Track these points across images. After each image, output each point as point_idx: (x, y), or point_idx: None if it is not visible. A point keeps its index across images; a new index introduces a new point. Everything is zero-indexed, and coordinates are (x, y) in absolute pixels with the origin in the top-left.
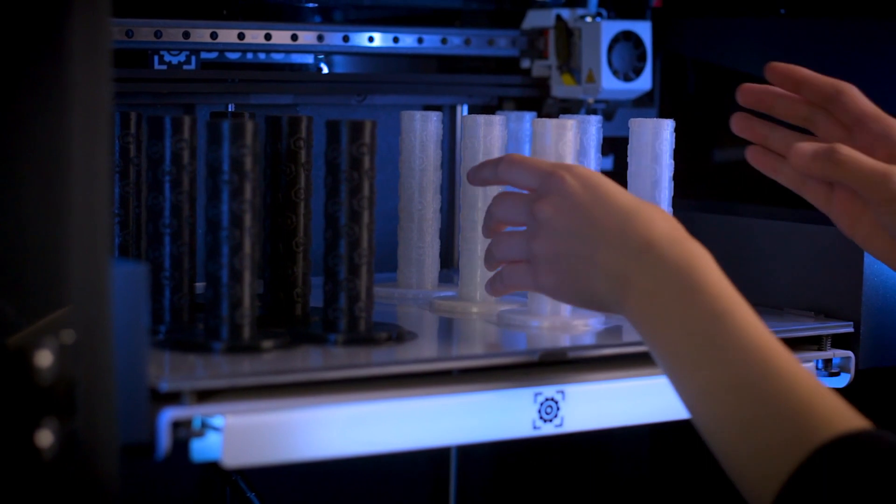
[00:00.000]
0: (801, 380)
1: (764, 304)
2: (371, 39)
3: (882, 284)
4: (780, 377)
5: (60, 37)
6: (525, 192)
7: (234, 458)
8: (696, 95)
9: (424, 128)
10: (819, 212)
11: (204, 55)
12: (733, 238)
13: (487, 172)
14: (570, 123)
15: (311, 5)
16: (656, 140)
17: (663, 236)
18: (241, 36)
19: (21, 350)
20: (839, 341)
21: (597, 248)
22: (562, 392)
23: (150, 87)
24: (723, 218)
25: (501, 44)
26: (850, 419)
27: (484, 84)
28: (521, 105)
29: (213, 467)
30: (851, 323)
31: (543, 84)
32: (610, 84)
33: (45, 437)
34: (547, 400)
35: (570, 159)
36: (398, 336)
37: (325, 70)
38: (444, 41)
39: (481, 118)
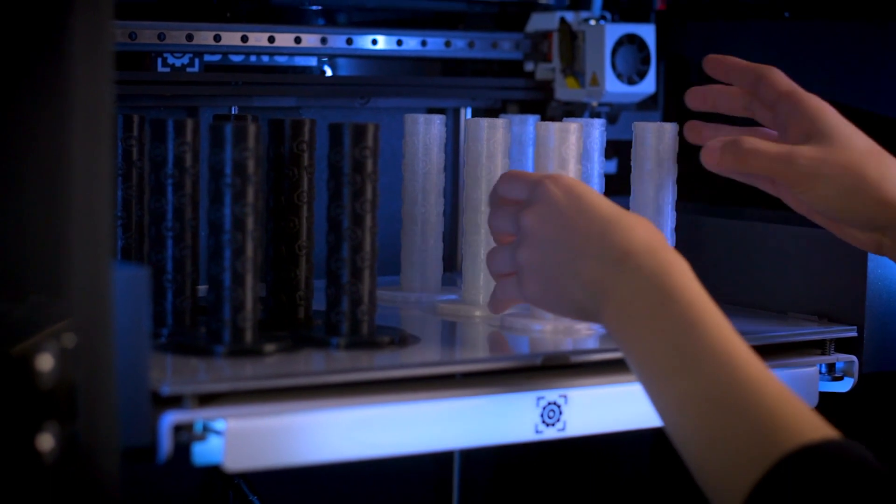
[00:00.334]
0: (770, 390)
1: (767, 308)
2: (375, 42)
3: (886, 289)
4: (748, 387)
5: (62, 38)
6: None
7: (235, 461)
8: None
9: (428, 131)
10: None
11: (207, 58)
12: (737, 242)
13: (493, 191)
14: (573, 127)
15: (314, 8)
16: (660, 143)
17: (641, 245)
18: (244, 38)
19: (22, 354)
20: (843, 345)
21: (577, 257)
22: (564, 396)
23: (154, 89)
24: (727, 222)
25: (505, 47)
26: (818, 430)
27: (487, 87)
28: (525, 108)
29: (215, 471)
30: (855, 327)
31: (547, 87)
32: (614, 87)
33: (45, 441)
34: (549, 404)
35: (573, 163)
36: (401, 340)
37: (329, 73)
38: (447, 44)
39: (484, 121)
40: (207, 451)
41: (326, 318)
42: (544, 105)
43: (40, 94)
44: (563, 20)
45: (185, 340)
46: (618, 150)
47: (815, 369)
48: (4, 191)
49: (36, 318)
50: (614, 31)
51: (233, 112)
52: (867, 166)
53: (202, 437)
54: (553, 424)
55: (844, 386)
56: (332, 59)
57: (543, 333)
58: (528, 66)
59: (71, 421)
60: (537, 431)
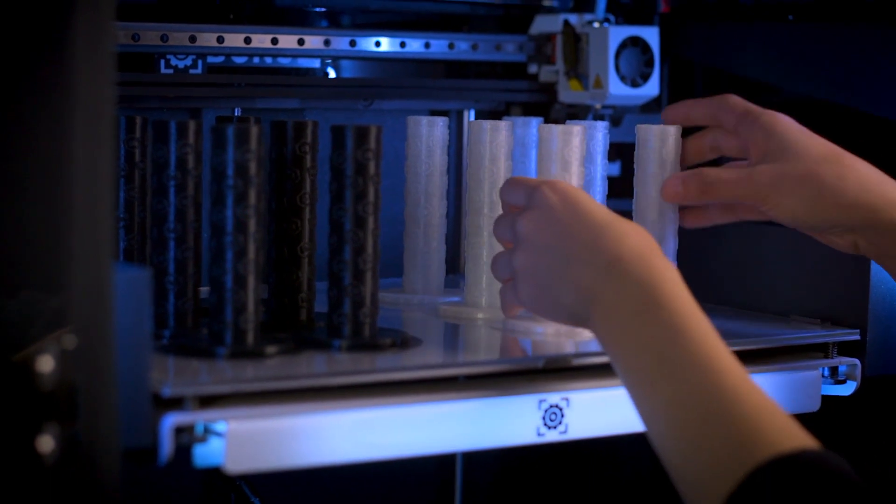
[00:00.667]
0: (749, 400)
1: (770, 311)
2: (378, 44)
3: (889, 292)
4: (727, 396)
5: (63, 38)
6: None
7: (236, 463)
8: None
9: (431, 133)
10: None
11: (210, 59)
12: (741, 244)
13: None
14: (576, 129)
15: (318, 9)
16: (662, 146)
17: (632, 252)
18: (247, 40)
19: (23, 355)
20: (845, 349)
21: (570, 262)
22: (566, 399)
23: (156, 91)
24: (730, 224)
25: (509, 49)
26: (796, 440)
27: (491, 89)
28: (529, 110)
29: (216, 472)
30: (858, 330)
31: (551, 89)
32: (617, 90)
33: (46, 443)
34: (551, 407)
35: (576, 165)
36: (402, 342)
37: (332, 74)
38: (451, 46)
39: (487, 123)
40: (208, 453)
41: (328, 320)
42: (548, 107)
43: (42, 94)
44: (566, 22)
45: (187, 342)
46: (621, 152)
47: (817, 373)
48: (6, 191)
49: (29, 315)
50: (618, 34)
51: (236, 114)
52: (824, 172)
53: (203, 439)
54: (555, 427)
55: (847, 389)
56: (335, 60)
57: (545, 336)
58: (532, 69)
59: (71, 422)
60: (539, 434)
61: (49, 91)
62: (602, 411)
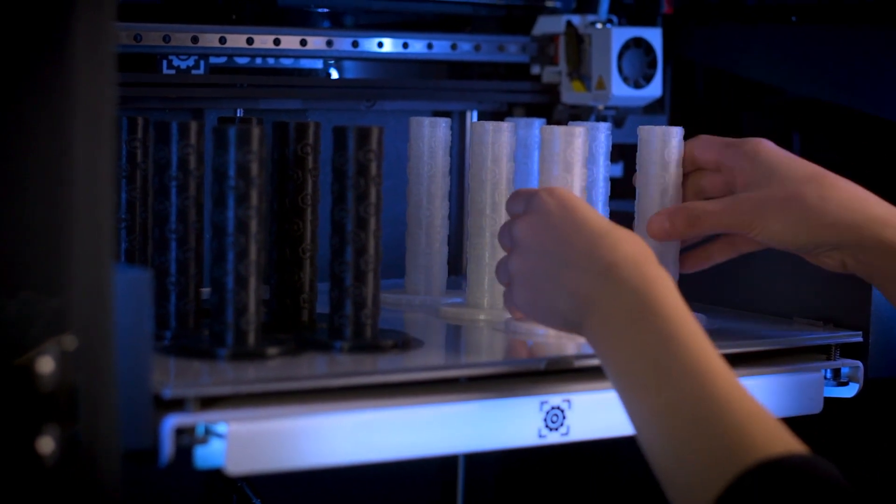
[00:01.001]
0: (738, 405)
1: (773, 313)
2: (380, 45)
3: None
4: (716, 402)
5: (64, 39)
6: None
7: (237, 465)
8: (706, 103)
9: (433, 134)
10: None
11: (213, 60)
12: None
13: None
14: (578, 130)
15: (320, 10)
16: (665, 147)
17: (626, 259)
18: (249, 41)
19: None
20: (848, 351)
21: (564, 268)
22: (568, 401)
23: (159, 91)
24: None
25: (512, 50)
26: (784, 445)
27: (494, 90)
28: (531, 111)
29: (218, 473)
30: (860, 332)
31: (553, 90)
32: (620, 91)
33: (46, 444)
34: (553, 408)
35: (578, 166)
36: (404, 343)
37: (335, 75)
38: (454, 47)
39: (490, 125)
40: (209, 455)
41: (330, 322)
42: (550, 108)
43: (42, 95)
44: (569, 23)
45: (188, 343)
46: (624, 153)
47: (820, 374)
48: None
49: (29, 316)
50: (621, 35)
51: (238, 114)
52: (807, 193)
53: (204, 441)
54: (556, 429)
55: (850, 391)
56: (337, 61)
57: (547, 338)
58: (535, 70)
59: (72, 424)
60: (541, 436)
61: (50, 91)
62: (603, 413)
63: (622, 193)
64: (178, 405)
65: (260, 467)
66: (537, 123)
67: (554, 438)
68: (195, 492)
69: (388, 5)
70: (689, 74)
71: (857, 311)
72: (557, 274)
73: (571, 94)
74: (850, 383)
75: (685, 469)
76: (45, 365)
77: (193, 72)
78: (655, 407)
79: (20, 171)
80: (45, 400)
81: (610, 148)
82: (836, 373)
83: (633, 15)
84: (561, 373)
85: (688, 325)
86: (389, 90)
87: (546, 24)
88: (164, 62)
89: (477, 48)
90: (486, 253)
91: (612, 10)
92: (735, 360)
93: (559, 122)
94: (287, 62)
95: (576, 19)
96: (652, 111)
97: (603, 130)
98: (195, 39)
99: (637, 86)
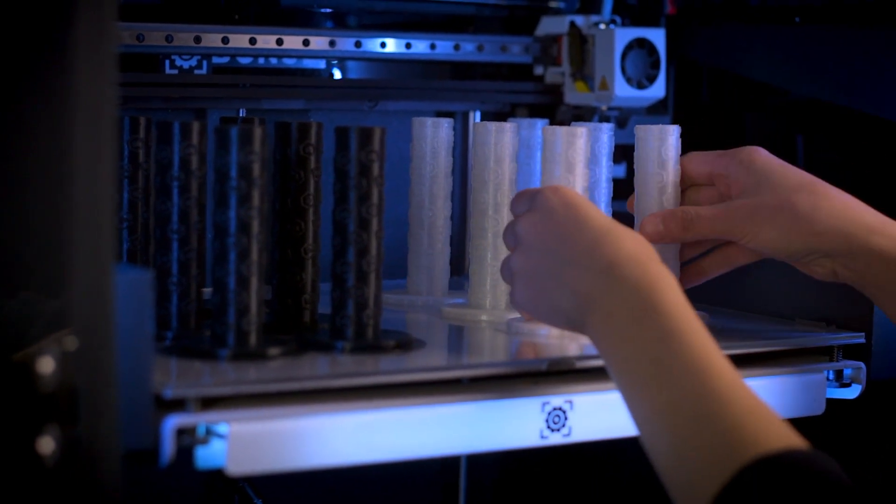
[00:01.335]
0: (740, 402)
1: (775, 314)
2: (383, 45)
3: None
4: (717, 399)
5: (65, 39)
6: None
7: (238, 465)
8: (709, 103)
9: (436, 134)
10: None
11: (215, 60)
12: None
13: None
14: (580, 131)
15: (323, 10)
16: (662, 146)
17: (629, 257)
18: (252, 41)
19: (23, 356)
20: (850, 352)
21: (566, 266)
22: (570, 402)
23: (161, 91)
24: None
25: (514, 50)
26: (786, 440)
27: (496, 91)
28: (534, 112)
29: (219, 474)
30: (863, 334)
31: (556, 91)
32: (623, 91)
33: (46, 444)
34: (555, 409)
35: (580, 167)
36: (406, 344)
37: (338, 75)
38: (456, 47)
39: (492, 125)
40: (210, 455)
41: (331, 322)
42: (553, 109)
43: (43, 95)
44: (572, 24)
45: (190, 343)
46: (627, 154)
47: (822, 376)
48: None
49: (29, 316)
50: (624, 36)
51: (240, 114)
52: (798, 201)
53: (205, 441)
54: (558, 430)
55: (852, 393)
56: (340, 61)
57: (549, 338)
58: (538, 70)
59: (72, 424)
60: (542, 437)
61: (51, 91)
62: (605, 414)
63: (625, 194)
64: (179, 405)
65: (261, 468)
66: (540, 124)
67: (556, 439)
68: (196, 492)
69: (391, 5)
70: (693, 75)
71: (859, 312)
72: (560, 272)
73: (574, 94)
74: (853, 385)
75: (686, 466)
76: (46, 365)
77: (196, 72)
78: (657, 404)
79: (21, 172)
80: (45, 400)
81: (613, 149)
82: (839, 374)
83: (636, 15)
84: (563, 374)
85: (689, 322)
86: (392, 90)
87: (549, 25)
88: (167, 62)
89: (480, 49)
90: (489, 253)
91: (615, 10)
92: (738, 361)
93: (562, 123)
94: (290, 62)
95: (579, 20)
96: (655, 112)
97: (605, 131)
98: (198, 39)
99: (640, 86)
